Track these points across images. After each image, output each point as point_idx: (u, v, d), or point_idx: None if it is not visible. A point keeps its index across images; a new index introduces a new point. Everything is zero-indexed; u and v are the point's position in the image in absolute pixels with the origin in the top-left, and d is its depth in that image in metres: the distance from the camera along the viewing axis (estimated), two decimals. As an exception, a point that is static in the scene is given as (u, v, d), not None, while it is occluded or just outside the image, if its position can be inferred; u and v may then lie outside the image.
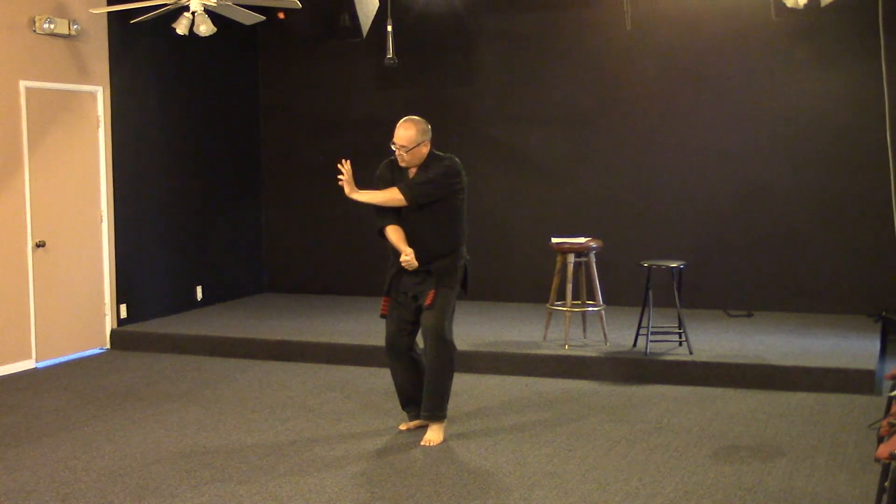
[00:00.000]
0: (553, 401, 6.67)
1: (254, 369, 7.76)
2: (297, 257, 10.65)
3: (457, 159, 5.75)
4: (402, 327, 5.78)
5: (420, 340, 5.80)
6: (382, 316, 5.81)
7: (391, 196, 5.60)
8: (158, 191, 9.24)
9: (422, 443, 5.65)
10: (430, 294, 5.60)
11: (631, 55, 9.27)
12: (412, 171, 5.72)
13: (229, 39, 9.45)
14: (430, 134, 5.70)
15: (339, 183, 5.64)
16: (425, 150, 5.68)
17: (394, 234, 5.66)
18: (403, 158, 5.64)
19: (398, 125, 5.65)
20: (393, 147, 5.66)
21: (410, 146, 5.60)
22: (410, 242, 5.62)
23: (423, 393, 5.75)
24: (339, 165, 5.69)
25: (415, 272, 5.66)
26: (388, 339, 5.85)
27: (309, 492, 4.87)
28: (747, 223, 9.01)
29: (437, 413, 5.70)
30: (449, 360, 5.68)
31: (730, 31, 8.94)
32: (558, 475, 5.09)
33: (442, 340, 5.60)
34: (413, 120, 5.67)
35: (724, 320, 8.68)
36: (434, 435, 5.68)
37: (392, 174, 5.75)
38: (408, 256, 5.55)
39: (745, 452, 5.46)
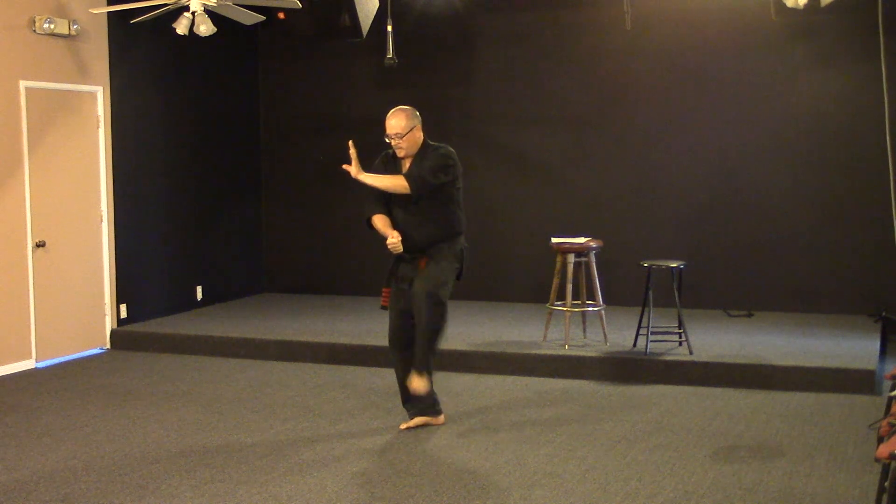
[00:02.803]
0: (553, 401, 6.67)
1: (254, 369, 7.76)
2: (297, 257, 10.65)
3: (451, 148, 5.79)
4: (405, 320, 5.79)
5: None
6: (383, 307, 5.83)
7: (396, 183, 5.63)
8: (158, 191, 9.24)
9: (410, 388, 5.70)
10: (423, 262, 5.62)
11: (631, 55, 9.27)
12: (406, 163, 5.75)
13: (229, 39, 9.45)
14: (419, 118, 5.76)
15: (345, 167, 5.64)
16: (419, 134, 5.74)
17: (380, 221, 5.76)
18: (401, 147, 5.70)
19: (387, 117, 5.72)
20: (387, 140, 5.70)
21: (404, 132, 5.65)
22: (404, 230, 5.66)
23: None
24: (350, 149, 5.67)
25: (411, 259, 5.69)
26: (391, 332, 5.87)
27: (309, 492, 4.87)
28: (747, 223, 9.01)
29: (420, 367, 5.66)
30: (440, 316, 5.61)
31: (730, 31, 8.94)
32: (558, 475, 5.09)
33: (432, 297, 5.55)
34: (400, 108, 5.75)
35: (724, 320, 8.68)
36: (418, 383, 5.67)
37: (385, 168, 5.79)
38: (394, 240, 5.62)
39: (745, 452, 5.46)
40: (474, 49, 9.79)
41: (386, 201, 5.77)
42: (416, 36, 9.53)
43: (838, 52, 8.70)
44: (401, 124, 5.67)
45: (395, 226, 5.72)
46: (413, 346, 5.80)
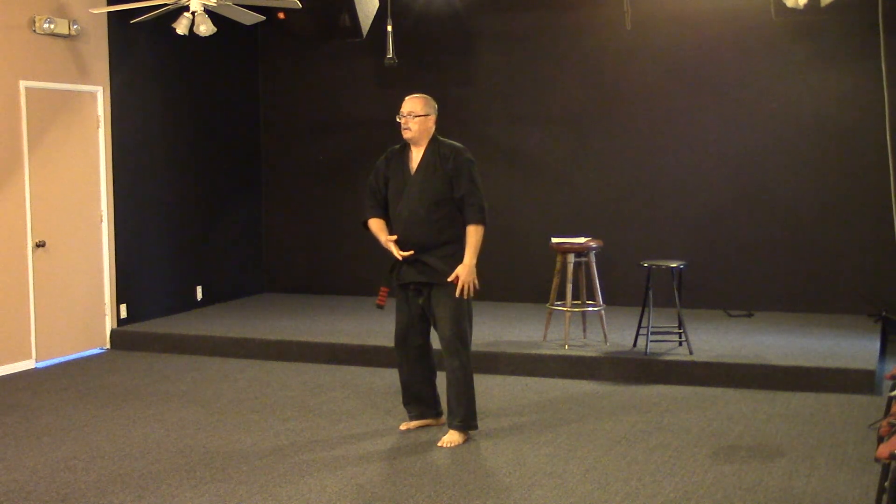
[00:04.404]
0: (553, 401, 6.67)
1: (254, 369, 7.76)
2: (297, 257, 10.65)
3: (463, 146, 5.76)
4: (412, 323, 5.75)
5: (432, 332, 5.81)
6: (378, 306, 5.73)
7: (480, 237, 5.60)
8: (158, 191, 9.24)
9: (440, 444, 5.60)
10: (442, 302, 5.59)
11: (631, 55, 9.27)
12: (414, 157, 5.68)
13: (229, 39, 9.45)
14: (436, 109, 5.74)
15: (465, 286, 5.56)
16: (432, 124, 5.70)
17: (375, 225, 5.74)
18: (410, 128, 5.62)
19: (405, 100, 5.69)
20: (398, 118, 5.66)
21: (420, 113, 5.62)
22: (408, 230, 5.60)
23: (449, 401, 5.70)
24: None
25: (413, 261, 5.62)
26: (397, 333, 5.81)
27: (309, 492, 4.87)
28: (747, 223, 9.01)
29: (469, 423, 5.68)
30: (468, 356, 5.63)
31: (730, 31, 8.94)
32: (558, 475, 5.09)
33: (459, 352, 5.58)
34: (419, 94, 5.74)
35: (724, 320, 8.68)
36: (453, 437, 5.64)
37: (390, 164, 5.74)
38: (398, 255, 5.58)
39: (745, 452, 5.46)
40: (474, 49, 9.79)
41: (385, 204, 5.73)
42: (416, 36, 9.54)
43: (838, 52, 8.70)
44: (418, 106, 5.63)
45: (399, 223, 5.64)
46: (421, 348, 5.79)
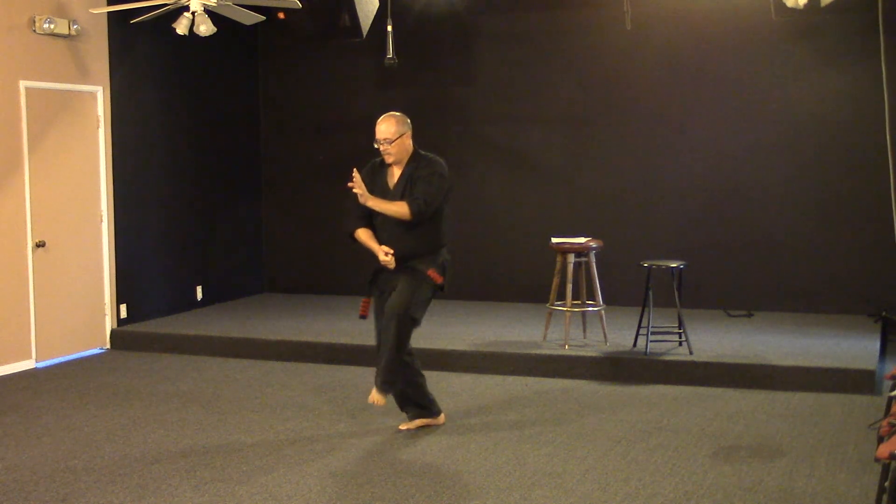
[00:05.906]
0: (553, 401, 6.67)
1: (254, 369, 7.77)
2: (297, 257, 10.65)
3: (442, 161, 5.78)
4: None
5: (415, 342, 5.80)
6: (361, 317, 5.83)
7: (398, 210, 5.59)
8: (158, 191, 9.24)
9: (369, 399, 5.68)
10: (402, 279, 5.61)
11: (631, 55, 9.27)
12: (395, 172, 5.73)
13: (229, 39, 9.45)
14: (410, 125, 5.74)
15: (354, 191, 5.60)
16: (409, 142, 5.72)
17: (364, 235, 5.76)
18: (390, 153, 5.68)
19: (377, 123, 5.70)
20: (376, 145, 5.69)
21: (393, 138, 5.64)
22: (388, 242, 5.64)
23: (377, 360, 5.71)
24: (350, 183, 5.62)
25: (392, 270, 5.66)
26: (377, 341, 5.84)
27: (309, 492, 4.87)
28: (747, 223, 9.01)
29: (382, 383, 5.65)
30: (408, 335, 5.61)
31: (730, 31, 8.94)
32: (558, 475, 5.09)
33: (401, 316, 5.53)
34: (390, 114, 5.74)
35: (724, 320, 8.68)
36: (376, 397, 5.66)
37: (373, 177, 5.76)
38: (386, 257, 5.61)
39: (745, 452, 5.47)
40: (474, 49, 9.79)
41: (369, 214, 5.73)
42: (416, 36, 9.53)
43: (838, 52, 8.70)
44: (390, 130, 5.64)
45: (378, 236, 5.71)
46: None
